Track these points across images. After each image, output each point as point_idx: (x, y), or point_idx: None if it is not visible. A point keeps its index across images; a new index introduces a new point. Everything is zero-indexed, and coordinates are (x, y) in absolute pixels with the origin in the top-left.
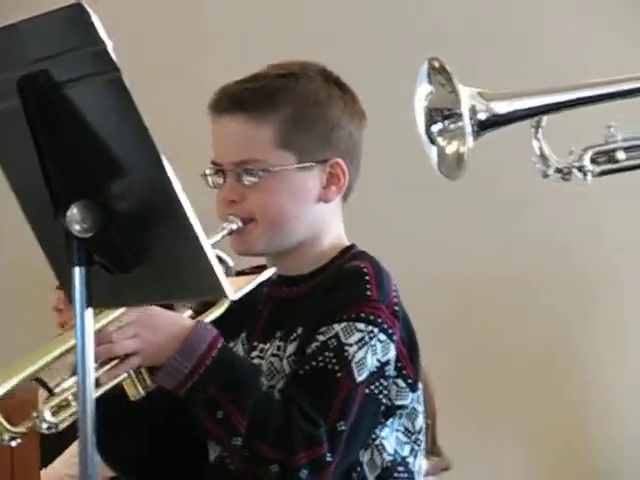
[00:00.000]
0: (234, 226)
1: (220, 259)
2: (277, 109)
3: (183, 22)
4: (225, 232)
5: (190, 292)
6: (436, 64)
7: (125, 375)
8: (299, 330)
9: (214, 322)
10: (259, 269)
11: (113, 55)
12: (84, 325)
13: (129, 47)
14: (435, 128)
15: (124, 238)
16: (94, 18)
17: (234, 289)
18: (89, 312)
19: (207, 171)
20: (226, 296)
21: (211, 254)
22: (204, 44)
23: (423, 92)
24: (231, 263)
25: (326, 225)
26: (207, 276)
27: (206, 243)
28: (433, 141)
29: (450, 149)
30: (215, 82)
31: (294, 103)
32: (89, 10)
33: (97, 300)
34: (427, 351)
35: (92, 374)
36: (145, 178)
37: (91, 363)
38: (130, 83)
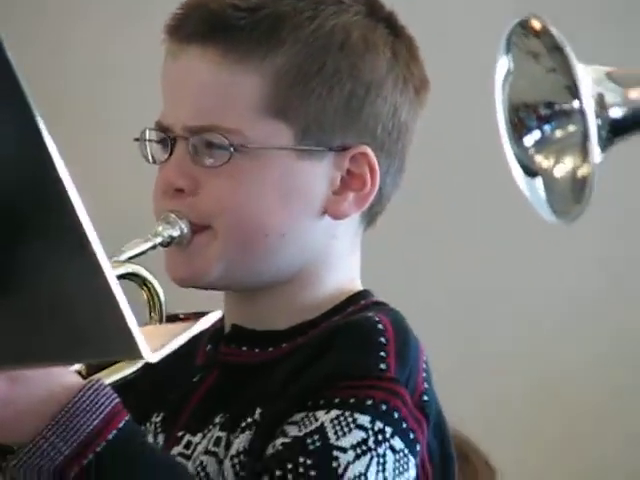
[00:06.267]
0: (175, 232)
1: (144, 282)
2: (277, 50)
3: None
4: (159, 240)
5: (81, 350)
6: (534, 23)
7: None
8: (256, 414)
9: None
10: (201, 315)
11: None
12: None
13: None
14: (529, 139)
15: None
16: None
17: (154, 345)
18: None
19: (146, 134)
20: (140, 357)
21: (115, 286)
22: None
23: (503, 74)
24: (161, 294)
25: (332, 256)
26: (109, 323)
27: (108, 269)
28: (525, 163)
29: (561, 170)
30: None
31: (307, 44)
32: None
33: None
34: None
35: None
36: (8, 158)
37: None
38: None
